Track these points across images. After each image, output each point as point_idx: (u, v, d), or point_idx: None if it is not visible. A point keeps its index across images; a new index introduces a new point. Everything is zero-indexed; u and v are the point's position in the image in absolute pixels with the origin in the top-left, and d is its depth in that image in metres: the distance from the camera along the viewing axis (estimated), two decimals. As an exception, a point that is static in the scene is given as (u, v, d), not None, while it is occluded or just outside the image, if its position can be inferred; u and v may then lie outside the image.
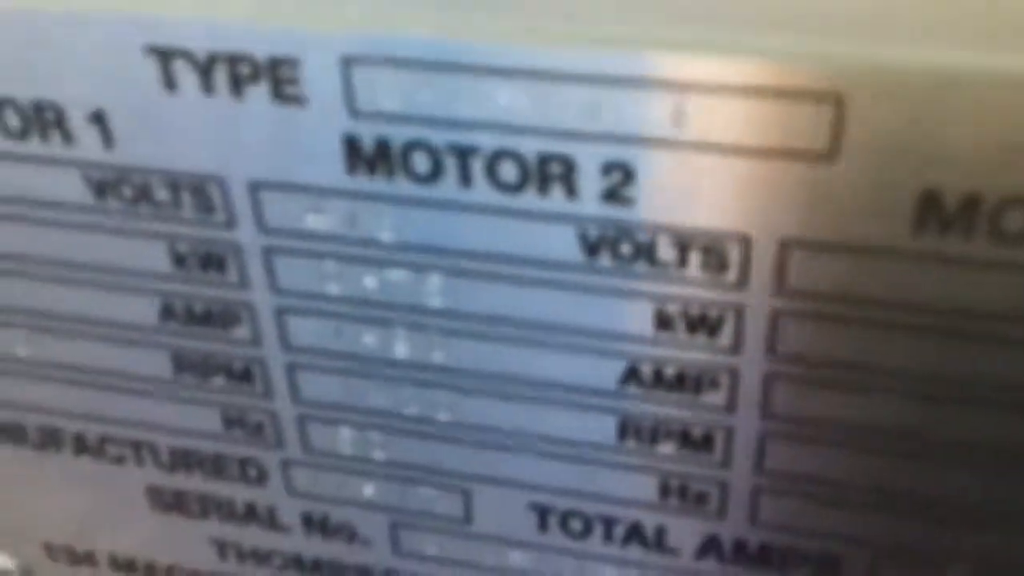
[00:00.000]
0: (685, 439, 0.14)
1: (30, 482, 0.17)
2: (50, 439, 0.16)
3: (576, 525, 0.15)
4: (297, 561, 0.17)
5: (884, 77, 0.10)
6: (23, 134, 0.13)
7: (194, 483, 0.16)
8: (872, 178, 0.11)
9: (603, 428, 0.14)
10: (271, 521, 0.17)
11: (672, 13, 0.11)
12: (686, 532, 0.15)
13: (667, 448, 0.14)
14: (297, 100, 0.12)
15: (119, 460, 0.16)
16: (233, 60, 0.12)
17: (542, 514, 0.15)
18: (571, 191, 0.12)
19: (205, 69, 0.12)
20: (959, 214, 0.11)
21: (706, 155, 0.11)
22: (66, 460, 0.17)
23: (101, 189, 0.13)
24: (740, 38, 0.11)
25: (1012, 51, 0.10)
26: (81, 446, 0.16)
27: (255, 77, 0.12)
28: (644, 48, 0.11)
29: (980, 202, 0.11)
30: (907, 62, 0.10)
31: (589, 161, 0.12)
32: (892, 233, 0.11)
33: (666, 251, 0.12)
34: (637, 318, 0.13)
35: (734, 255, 0.12)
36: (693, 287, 0.12)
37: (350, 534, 0.16)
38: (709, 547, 0.15)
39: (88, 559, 0.18)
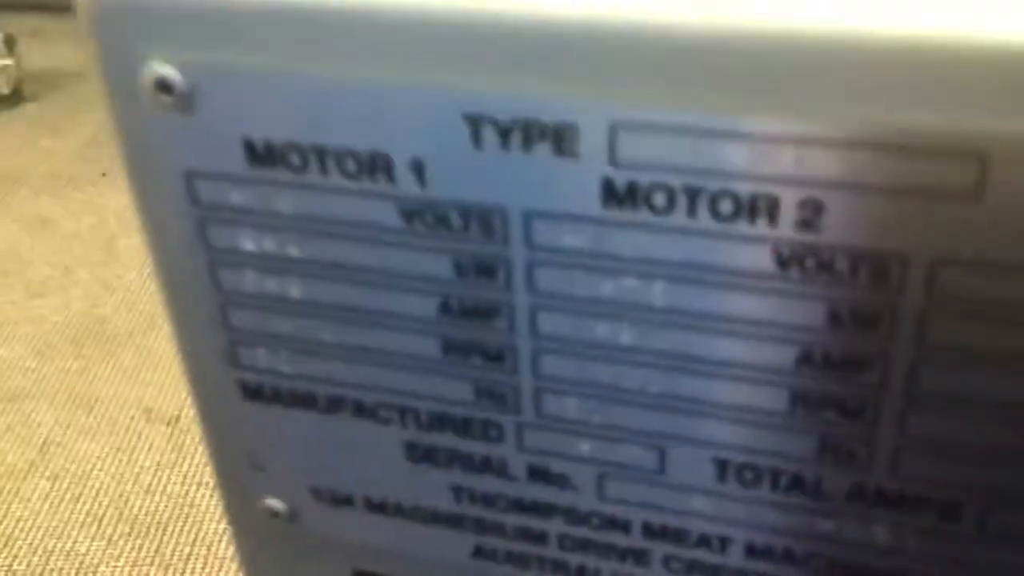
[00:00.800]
0: (843, 409, 0.18)
1: (310, 440, 0.22)
2: (334, 405, 0.21)
3: (748, 476, 0.20)
4: (518, 503, 0.22)
5: (1020, 142, 0.15)
6: (357, 176, 0.18)
7: (444, 440, 0.21)
8: (1008, 217, 0.15)
9: (778, 398, 0.18)
10: (502, 471, 0.21)
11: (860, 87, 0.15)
12: (838, 482, 0.19)
13: (828, 414, 0.18)
14: (572, 154, 0.17)
15: (387, 421, 0.21)
16: (528, 125, 0.17)
17: (721, 467, 0.20)
18: (773, 221, 0.16)
19: (505, 131, 0.17)
20: (1066, 241, 0.15)
21: (879, 196, 0.16)
22: (344, 422, 0.21)
23: (410, 216, 0.18)
24: (913, 110, 0.15)
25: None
26: (359, 410, 0.21)
27: (543, 137, 0.17)
28: (837, 118, 0.15)
29: (1082, 233, 0.15)
30: (1031, 134, 0.14)
31: (789, 199, 0.16)
32: (1021, 256, 0.15)
33: (842, 264, 0.16)
34: (814, 314, 0.17)
35: (896, 270, 0.16)
36: (860, 292, 0.17)
37: (564, 482, 0.21)
38: (855, 494, 0.19)
39: (347, 501, 0.23)
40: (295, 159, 0.18)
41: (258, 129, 0.18)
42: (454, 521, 0.22)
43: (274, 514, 0.23)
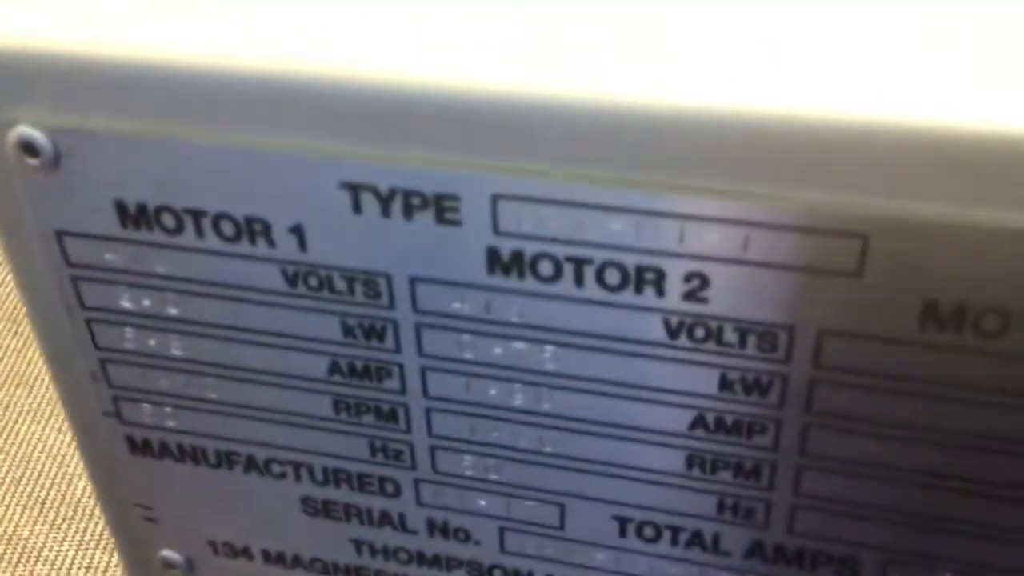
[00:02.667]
0: (738, 469, 0.18)
1: (202, 493, 0.21)
2: (225, 460, 0.21)
3: (649, 532, 0.19)
4: (420, 556, 0.21)
5: (896, 225, 0.14)
6: (235, 239, 0.17)
7: (340, 495, 0.21)
8: (888, 291, 0.15)
9: (675, 460, 0.18)
10: (402, 525, 0.21)
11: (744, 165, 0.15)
12: (737, 539, 0.19)
13: (724, 475, 0.18)
14: (455, 223, 0.16)
15: (281, 476, 0.21)
16: (407, 194, 0.16)
17: (622, 523, 0.19)
18: (660, 292, 0.16)
19: (386, 200, 0.16)
20: (951, 317, 0.15)
21: (764, 270, 0.15)
22: (236, 476, 0.21)
23: (293, 279, 0.17)
24: (796, 190, 0.15)
25: (979, 207, 0.14)
26: (250, 465, 0.21)
27: (424, 206, 0.16)
28: (719, 194, 0.15)
29: (966, 309, 0.15)
30: (913, 213, 0.14)
31: (675, 272, 0.16)
32: (903, 329, 0.15)
33: (730, 335, 0.16)
34: (705, 381, 0.17)
35: (783, 339, 0.16)
36: (750, 361, 0.16)
37: (465, 536, 0.21)
38: (754, 551, 0.19)
39: (245, 553, 0.22)
40: (169, 221, 0.17)
41: (129, 192, 0.17)
42: (356, 573, 0.22)
43: (171, 565, 0.23)
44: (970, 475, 0.16)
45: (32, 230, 0.18)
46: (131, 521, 0.22)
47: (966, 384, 0.16)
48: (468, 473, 0.19)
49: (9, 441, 0.53)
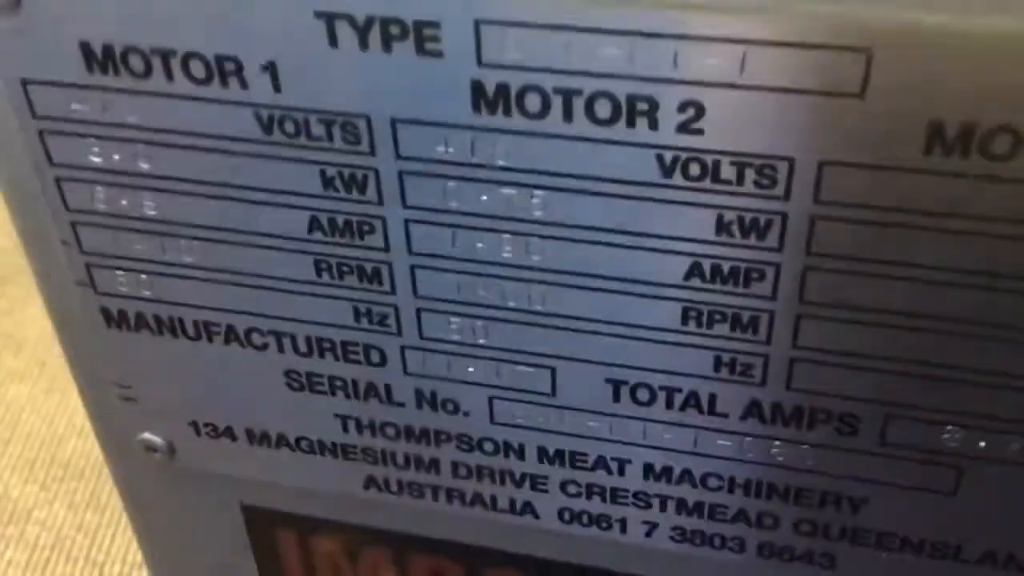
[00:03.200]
0: (736, 322, 0.17)
1: (182, 369, 0.21)
2: (204, 331, 0.20)
3: (643, 395, 0.19)
4: (408, 431, 0.21)
5: (902, 37, 0.14)
6: (206, 81, 0.16)
7: (325, 366, 0.20)
8: (891, 113, 0.14)
9: (670, 314, 0.17)
10: (388, 397, 0.20)
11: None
12: (733, 398, 0.18)
13: (721, 329, 0.17)
14: (436, 54, 0.15)
15: (263, 347, 0.20)
16: (385, 22, 0.15)
17: (616, 386, 0.19)
18: (653, 124, 0.15)
19: (363, 29, 0.15)
20: (958, 140, 0.14)
21: (762, 95, 0.14)
22: (216, 348, 0.20)
23: (268, 125, 0.17)
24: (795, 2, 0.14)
25: (992, 15, 0.13)
26: (230, 336, 0.20)
27: (403, 35, 0.15)
28: (715, 11, 0.14)
29: (975, 130, 0.14)
30: (920, 24, 0.13)
31: (669, 100, 0.15)
32: (907, 155, 0.15)
33: (727, 171, 0.15)
34: (701, 224, 0.16)
35: (782, 173, 0.15)
36: (748, 199, 0.16)
37: (454, 407, 0.20)
38: (751, 410, 0.18)
39: (228, 433, 0.22)
40: (137, 64, 0.16)
41: (95, 32, 0.16)
42: (343, 451, 0.21)
43: (152, 449, 0.22)
44: (975, 317, 0.16)
45: (-6, 79, 0.17)
46: (110, 402, 0.22)
47: (973, 215, 0.15)
48: (455, 338, 0.19)
49: (-3, 403, 0.53)
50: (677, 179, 0.16)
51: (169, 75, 0.16)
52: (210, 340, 0.20)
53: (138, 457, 0.22)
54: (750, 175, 0.15)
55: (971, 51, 0.13)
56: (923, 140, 0.14)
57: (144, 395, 0.21)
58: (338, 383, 0.20)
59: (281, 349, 0.20)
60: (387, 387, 0.20)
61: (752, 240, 0.16)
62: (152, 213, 0.18)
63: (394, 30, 0.15)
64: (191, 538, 0.24)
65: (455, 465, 0.21)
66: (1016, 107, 0.14)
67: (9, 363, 0.56)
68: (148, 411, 0.22)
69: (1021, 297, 0.15)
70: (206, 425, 0.22)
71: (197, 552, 0.25)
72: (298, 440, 0.21)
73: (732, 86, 0.15)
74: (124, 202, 0.18)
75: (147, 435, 0.22)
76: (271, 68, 0.16)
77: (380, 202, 0.17)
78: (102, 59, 0.16)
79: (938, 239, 0.15)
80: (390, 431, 0.21)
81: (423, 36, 0.15)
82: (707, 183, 0.16)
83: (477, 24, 0.15)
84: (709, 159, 0.15)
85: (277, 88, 0.16)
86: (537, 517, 0.21)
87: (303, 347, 0.20)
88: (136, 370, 0.21)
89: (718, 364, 0.18)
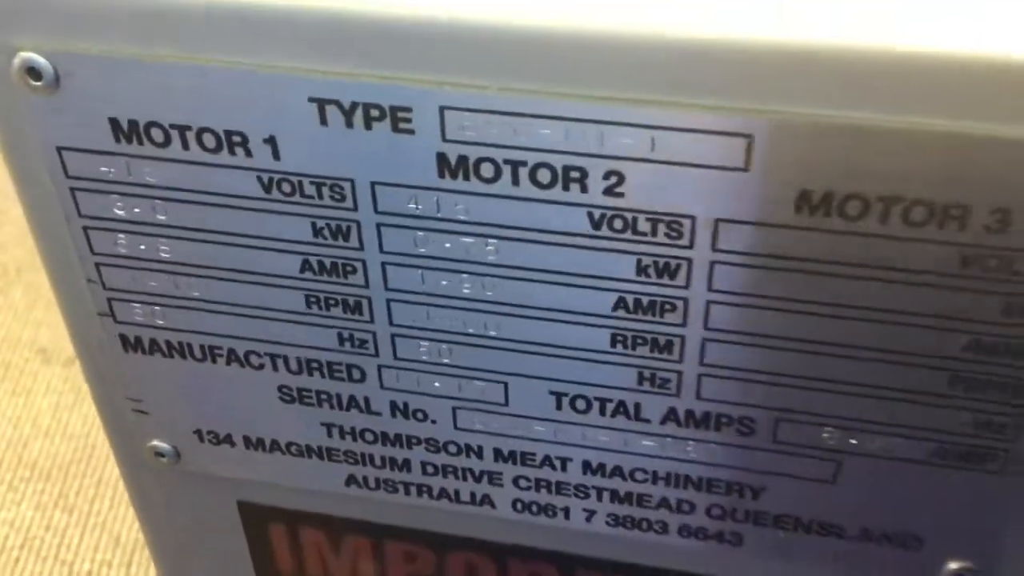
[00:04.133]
0: (655, 345, 0.21)
1: (189, 386, 0.24)
2: (208, 353, 0.23)
3: (581, 404, 0.22)
4: (384, 436, 0.24)
5: (776, 127, 0.17)
6: (216, 150, 0.20)
7: (313, 382, 0.23)
8: (770, 183, 0.18)
9: (600, 338, 0.21)
10: (367, 408, 0.24)
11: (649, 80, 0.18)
12: (654, 406, 0.22)
13: (642, 350, 0.21)
14: (408, 131, 0.19)
15: (259, 367, 0.23)
16: (367, 107, 0.19)
17: (558, 398, 0.22)
18: (584, 188, 0.19)
19: (348, 112, 0.19)
20: (821, 203, 0.18)
21: (669, 167, 0.18)
22: (219, 368, 0.24)
23: (268, 186, 0.20)
24: (692, 98, 0.18)
25: (848, 110, 0.17)
26: (231, 358, 0.23)
27: (382, 117, 0.19)
28: (631, 103, 0.18)
29: (833, 197, 0.18)
30: (790, 117, 0.17)
31: (596, 170, 0.19)
32: (782, 215, 0.18)
33: (644, 225, 0.19)
34: (624, 267, 0.20)
35: (687, 227, 0.19)
36: (660, 247, 0.19)
37: (423, 416, 0.24)
38: (669, 416, 0.22)
39: (227, 440, 0.25)
40: (158, 136, 0.20)
41: (122, 109, 0.20)
42: (327, 454, 0.25)
43: (160, 454, 0.26)
44: (841, 340, 0.20)
45: (35, 146, 0.20)
46: (124, 415, 0.25)
47: (836, 260, 0.19)
48: (424, 358, 0.22)
49: (-36, 406, 0.54)
50: (604, 231, 0.19)
51: (185, 145, 0.20)
52: (214, 361, 0.23)
53: (147, 462, 0.26)
54: (662, 228, 0.19)
55: (831, 137, 0.17)
56: (794, 203, 0.18)
57: (154, 408, 0.25)
58: (324, 396, 0.24)
59: (275, 368, 0.23)
60: (366, 399, 0.24)
61: (665, 279, 0.20)
62: (166, 256, 0.22)
63: (374, 113, 0.19)
64: (193, 532, 0.28)
65: (424, 465, 0.25)
66: (863, 181, 0.18)
67: (-26, 367, 0.57)
68: (157, 422, 0.25)
69: (878, 325, 0.19)
70: (208, 433, 0.25)
71: (198, 544, 0.28)
72: (288, 445, 0.25)
73: (646, 160, 0.18)
74: (142, 247, 0.22)
75: (156, 442, 0.25)
76: (272, 141, 0.19)
77: (361, 248, 0.21)
78: (128, 131, 0.20)
79: (809, 279, 0.19)
80: (368, 436, 0.24)
81: (398, 118, 0.19)
82: (628, 234, 0.19)
83: (442, 110, 0.18)
84: (629, 215, 0.19)
85: (276, 157, 0.20)
86: (494, 507, 0.25)
87: (294, 366, 0.23)
88: (148, 387, 0.24)
89: (641, 379, 0.22)
